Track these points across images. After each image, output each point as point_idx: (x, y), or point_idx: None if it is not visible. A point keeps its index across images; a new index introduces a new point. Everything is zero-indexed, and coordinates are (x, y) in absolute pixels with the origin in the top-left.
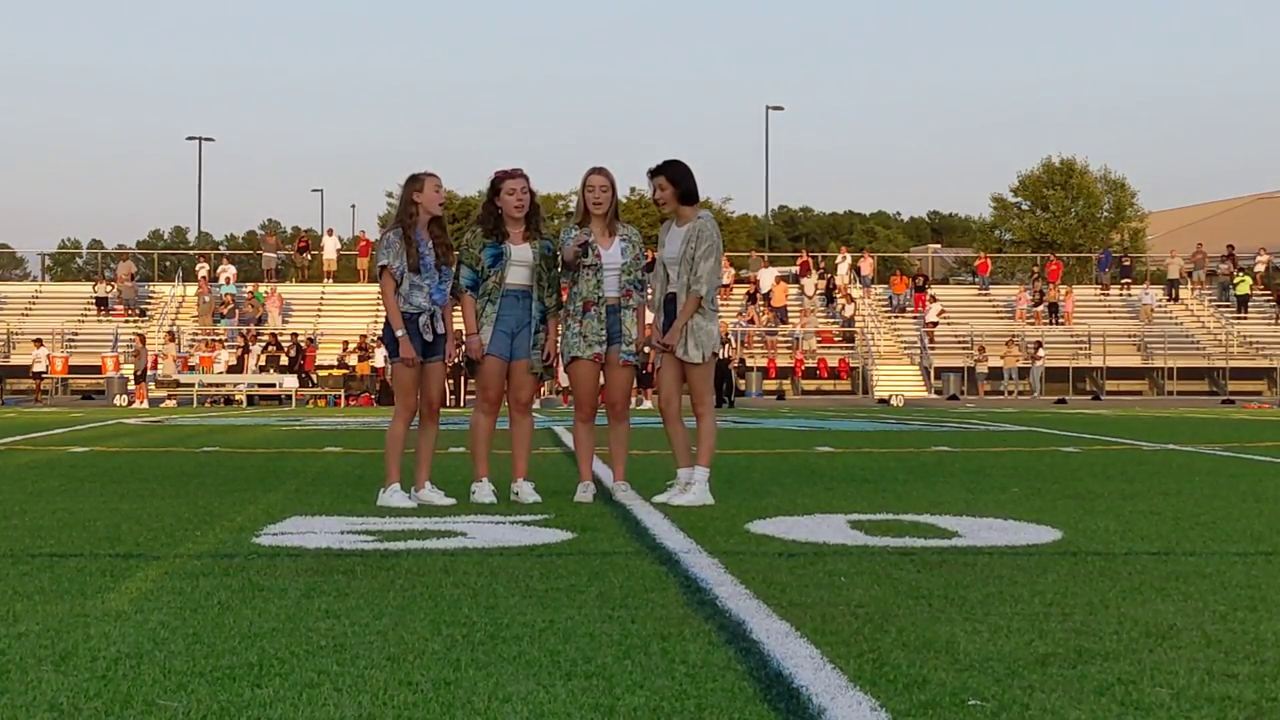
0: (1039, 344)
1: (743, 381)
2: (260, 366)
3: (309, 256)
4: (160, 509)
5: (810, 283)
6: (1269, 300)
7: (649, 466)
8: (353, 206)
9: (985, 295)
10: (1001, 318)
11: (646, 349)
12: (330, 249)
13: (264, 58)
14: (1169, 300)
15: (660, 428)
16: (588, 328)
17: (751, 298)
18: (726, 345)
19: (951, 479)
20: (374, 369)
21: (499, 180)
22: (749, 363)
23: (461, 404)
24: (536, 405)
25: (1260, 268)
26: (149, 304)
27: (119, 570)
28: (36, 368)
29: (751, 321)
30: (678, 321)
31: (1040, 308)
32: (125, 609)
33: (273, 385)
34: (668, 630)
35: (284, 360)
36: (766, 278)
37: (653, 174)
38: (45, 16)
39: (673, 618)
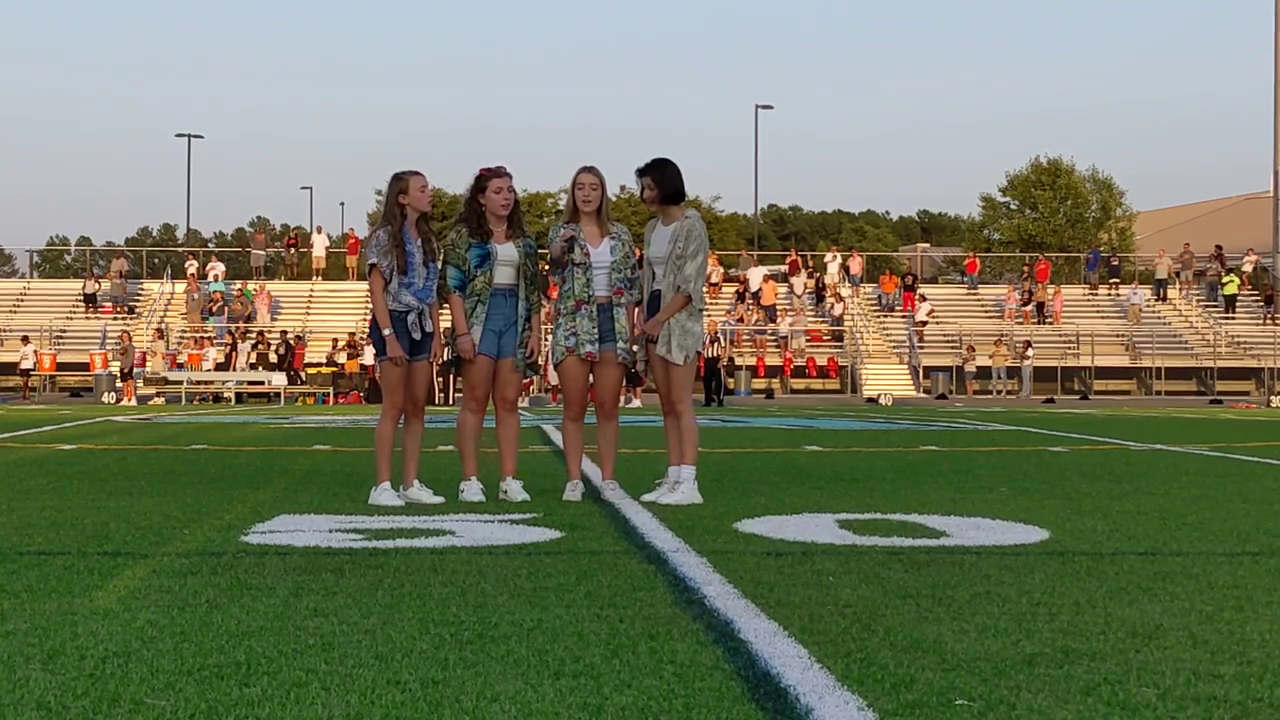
0: (1027, 343)
1: (731, 380)
2: (249, 364)
3: (296, 254)
4: (148, 507)
5: (799, 282)
6: (1257, 300)
7: (638, 465)
8: (341, 204)
9: (974, 295)
10: (990, 317)
11: (635, 347)
12: (319, 246)
13: (253, 55)
14: (1157, 300)
15: (648, 425)
16: (580, 326)
17: (740, 296)
18: (715, 344)
19: (939, 478)
20: (363, 366)
21: (484, 178)
22: (738, 362)
23: (450, 402)
24: (524, 403)
25: (1248, 268)
26: (137, 301)
27: (107, 569)
28: (24, 365)
29: (740, 320)
30: (660, 314)
31: (1029, 307)
32: (113, 607)
33: (261, 383)
34: (656, 629)
35: (273, 358)
36: (755, 276)
37: (640, 173)
38: (35, 14)
39: (661, 617)
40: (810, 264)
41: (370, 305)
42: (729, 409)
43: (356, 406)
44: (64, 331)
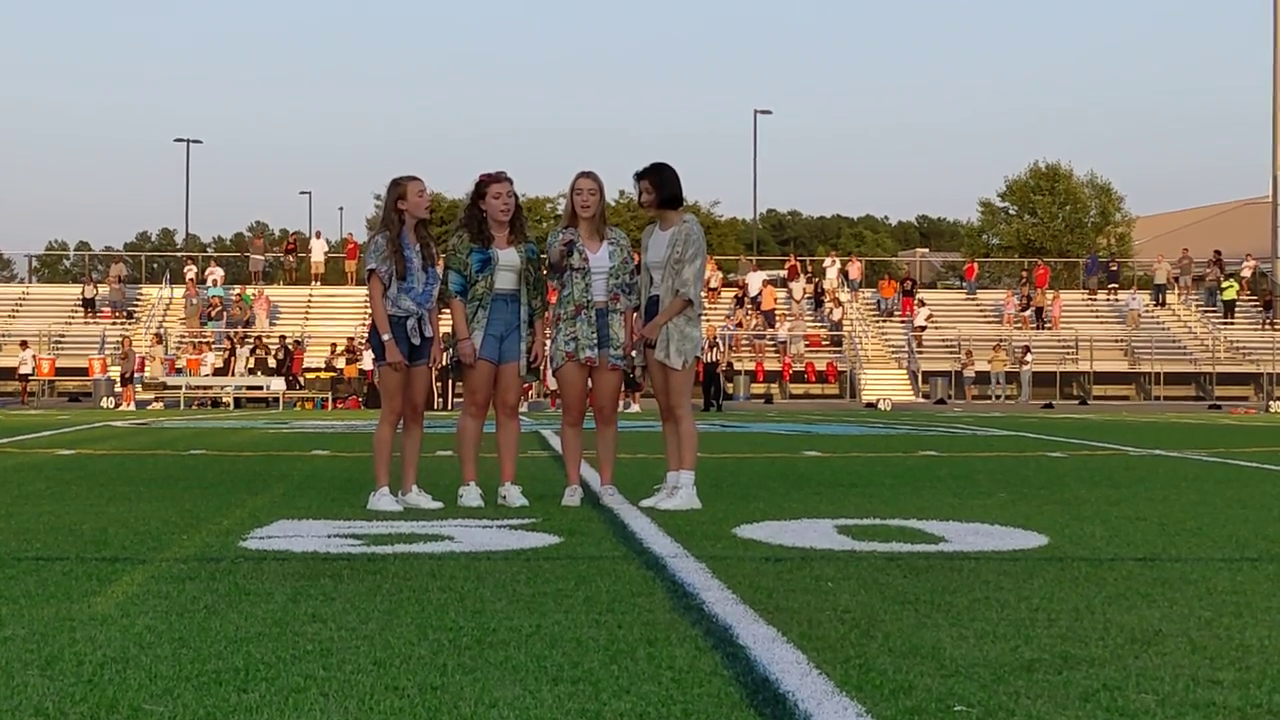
0: (1026, 348)
1: (730, 385)
2: (248, 369)
3: (295, 259)
4: (147, 512)
5: (798, 287)
6: (1255, 306)
7: (636, 470)
8: (340, 209)
9: (973, 300)
10: (989, 322)
11: (634, 352)
12: (318, 251)
13: (252, 60)
14: (1156, 305)
15: (647, 430)
16: (579, 331)
17: (739, 301)
18: (714, 349)
19: (938, 484)
20: (361, 371)
21: (484, 184)
22: (736, 367)
23: (449, 407)
24: (524, 408)
25: (1247, 273)
26: (136, 306)
27: (105, 574)
28: (23, 370)
29: (739, 325)
30: (659, 318)
31: (1027, 312)
32: (111, 613)
33: (260, 388)
34: (654, 635)
35: (271, 363)
36: (754, 281)
37: (639, 177)
38: (33, 18)
39: (659, 622)
40: (809, 269)
41: (370, 310)
42: (728, 414)
43: (355, 411)
44: (63, 336)
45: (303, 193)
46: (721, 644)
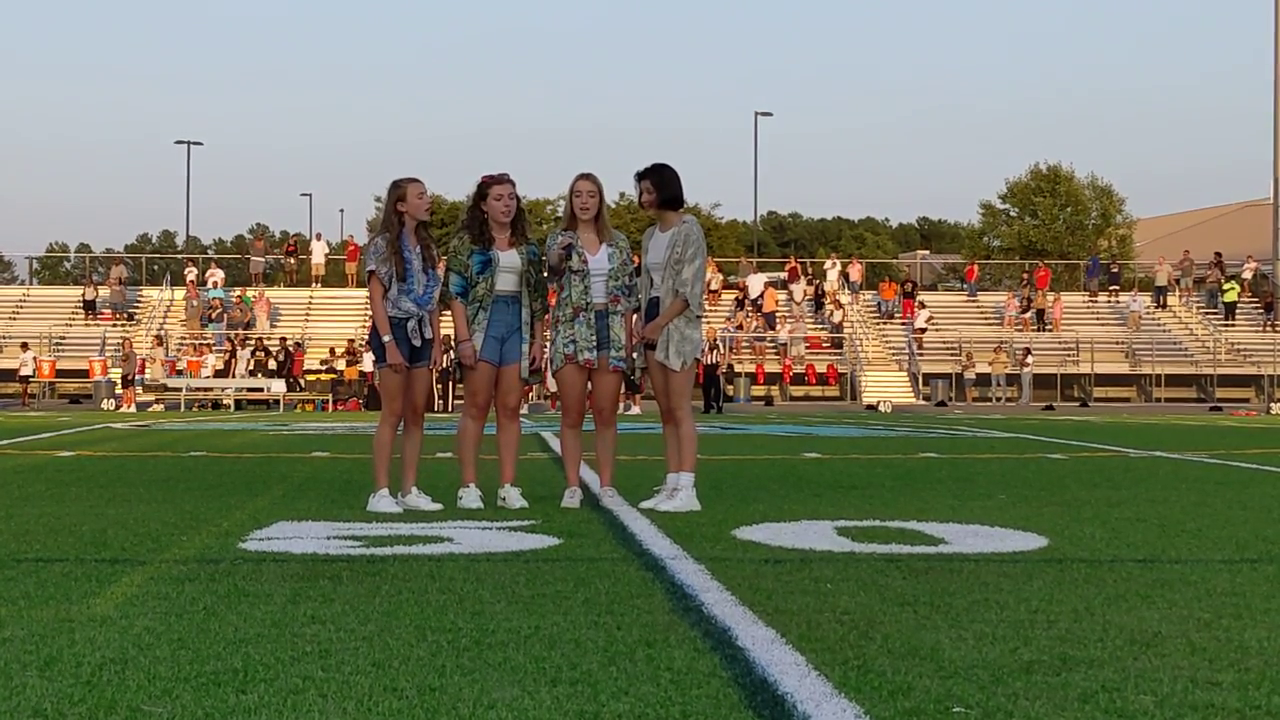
0: (1027, 350)
1: (730, 387)
2: (248, 371)
3: (295, 261)
4: (146, 514)
5: (799, 289)
6: (1257, 307)
7: (636, 472)
8: (341, 211)
9: (973, 301)
10: (990, 324)
11: (635, 354)
12: (318, 253)
13: (252, 62)
14: (1157, 307)
15: (647, 432)
16: (578, 334)
17: (740, 303)
18: (714, 351)
19: (939, 485)
20: (362, 374)
21: (486, 185)
22: (737, 369)
23: (450, 409)
24: (524, 410)
25: (1248, 275)
26: (137, 308)
27: (104, 575)
28: (23, 371)
29: (740, 327)
30: (660, 318)
31: (1028, 314)
32: (110, 614)
33: (260, 390)
34: (653, 637)
35: (272, 365)
36: (755, 284)
37: (639, 177)
38: (34, 22)
39: (658, 624)
40: (810, 271)
41: (371, 312)
42: (728, 416)
43: (355, 413)
44: (63, 338)
45: (303, 195)
46: (721, 645)
